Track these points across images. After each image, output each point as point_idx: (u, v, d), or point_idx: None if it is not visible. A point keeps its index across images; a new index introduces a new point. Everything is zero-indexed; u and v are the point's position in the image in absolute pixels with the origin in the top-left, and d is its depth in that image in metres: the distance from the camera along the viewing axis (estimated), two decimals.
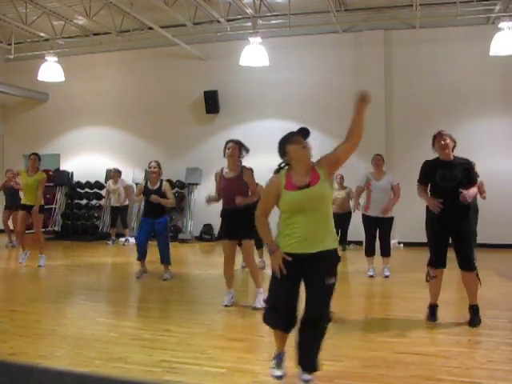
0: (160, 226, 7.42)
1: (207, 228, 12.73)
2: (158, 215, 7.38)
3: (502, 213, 10.77)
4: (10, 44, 12.36)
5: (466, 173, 4.90)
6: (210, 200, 5.88)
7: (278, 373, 3.58)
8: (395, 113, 11.73)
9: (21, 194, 10.73)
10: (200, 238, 12.70)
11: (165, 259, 7.45)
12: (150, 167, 7.42)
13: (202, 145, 12.95)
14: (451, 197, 4.80)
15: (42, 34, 12.46)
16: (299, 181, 3.44)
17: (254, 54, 10.78)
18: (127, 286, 7.28)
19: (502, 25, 9.49)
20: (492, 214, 10.67)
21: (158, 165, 7.44)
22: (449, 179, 4.87)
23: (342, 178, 10.49)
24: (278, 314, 3.43)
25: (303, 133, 3.56)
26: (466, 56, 11.23)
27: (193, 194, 12.93)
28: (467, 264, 4.89)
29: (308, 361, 3.42)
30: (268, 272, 8.26)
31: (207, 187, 12.83)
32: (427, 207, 5.04)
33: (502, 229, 10.75)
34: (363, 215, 7.66)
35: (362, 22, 11.57)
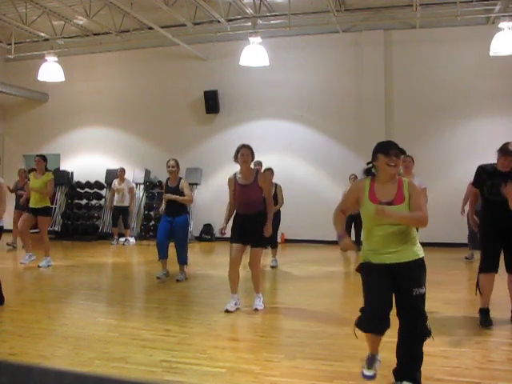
0: (178, 226, 7.32)
1: (207, 228, 12.74)
2: (177, 213, 7.31)
3: None
4: (10, 44, 12.37)
5: None
6: (222, 229, 5.80)
7: (368, 373, 3.57)
8: (395, 113, 11.73)
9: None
10: (200, 238, 12.70)
11: (181, 260, 7.38)
12: (168, 166, 7.39)
13: (202, 145, 12.96)
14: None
15: (42, 34, 12.45)
16: (383, 194, 3.46)
17: (254, 53, 10.78)
18: (127, 286, 7.28)
19: (501, 25, 9.48)
20: None
21: (176, 163, 7.41)
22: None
23: (355, 177, 10.41)
24: (371, 316, 3.45)
25: (400, 151, 3.53)
26: (466, 56, 11.23)
27: (193, 194, 12.93)
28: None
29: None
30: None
31: (207, 187, 12.90)
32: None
33: None
34: None
35: (362, 22, 11.57)
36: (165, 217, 7.44)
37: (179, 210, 7.32)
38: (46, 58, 12.10)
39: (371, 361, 3.60)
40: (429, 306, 5.44)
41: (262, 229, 5.62)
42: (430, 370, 3.80)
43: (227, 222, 5.80)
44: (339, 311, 5.89)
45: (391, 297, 3.42)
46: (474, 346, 4.36)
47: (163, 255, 7.38)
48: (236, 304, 5.64)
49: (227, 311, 5.49)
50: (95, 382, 2.60)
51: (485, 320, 4.95)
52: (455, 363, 3.94)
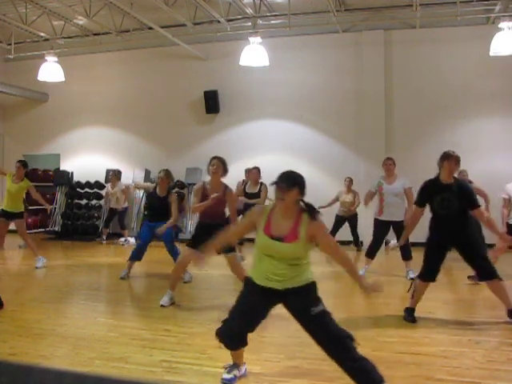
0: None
1: None
2: (162, 219, 7.31)
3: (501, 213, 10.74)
4: (10, 44, 12.37)
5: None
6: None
7: (227, 376, 3.58)
8: (395, 113, 11.73)
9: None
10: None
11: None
12: (158, 177, 7.51)
13: (202, 145, 12.95)
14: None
15: (42, 34, 12.45)
16: (277, 228, 3.28)
17: (254, 53, 10.78)
18: (127, 286, 7.27)
19: (502, 25, 9.48)
20: (492, 214, 10.66)
21: (166, 174, 7.48)
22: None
23: (350, 181, 10.41)
24: (229, 331, 3.44)
25: (287, 182, 3.23)
26: (466, 56, 11.23)
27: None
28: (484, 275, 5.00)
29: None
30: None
31: None
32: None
33: (501, 229, 10.72)
34: (376, 219, 7.59)
35: (362, 22, 11.57)
36: (148, 222, 7.51)
37: (164, 216, 7.29)
38: (46, 58, 12.11)
39: (232, 368, 3.62)
40: (429, 306, 5.49)
41: None
42: (430, 370, 3.81)
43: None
44: (339, 311, 5.88)
45: (256, 321, 3.46)
46: (474, 346, 4.35)
47: (139, 257, 7.46)
48: (171, 299, 5.87)
49: (162, 306, 5.72)
50: (95, 382, 2.61)
51: (409, 316, 5.14)
52: (455, 363, 3.94)
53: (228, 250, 5.50)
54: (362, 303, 6.39)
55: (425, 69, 11.52)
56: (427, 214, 5.24)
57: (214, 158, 5.76)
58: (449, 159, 5.06)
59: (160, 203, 7.37)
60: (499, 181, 10.86)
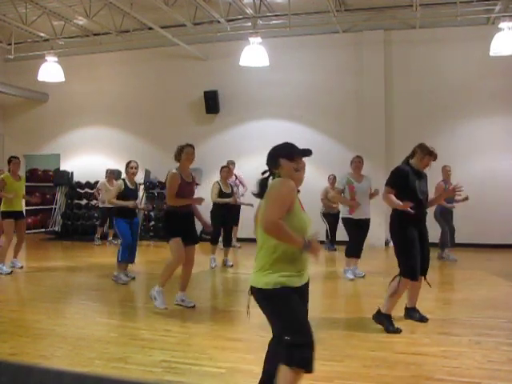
0: (136, 226, 7.59)
1: None
2: (135, 215, 7.53)
3: (502, 213, 10.77)
4: (9, 44, 12.37)
5: None
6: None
7: None
8: (395, 113, 11.73)
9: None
10: (200, 239, 12.65)
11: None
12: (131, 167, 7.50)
13: (202, 145, 12.92)
14: None
15: (42, 34, 12.46)
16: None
17: (254, 54, 10.78)
18: (127, 286, 7.27)
19: (502, 25, 9.48)
20: (492, 214, 10.70)
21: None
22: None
23: (334, 178, 10.42)
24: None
25: (306, 154, 3.06)
26: (466, 56, 11.23)
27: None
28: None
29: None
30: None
31: (207, 187, 12.85)
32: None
33: (502, 229, 10.75)
34: (349, 219, 7.44)
35: (362, 22, 11.57)
36: (125, 220, 7.37)
37: (135, 212, 7.54)
38: (46, 58, 12.11)
39: None
40: (429, 306, 5.49)
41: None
42: (430, 370, 3.80)
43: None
44: (339, 311, 5.89)
45: None
46: (474, 346, 4.35)
47: (133, 259, 7.48)
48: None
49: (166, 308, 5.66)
50: (95, 382, 2.60)
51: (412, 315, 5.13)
52: (455, 363, 3.94)
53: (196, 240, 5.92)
54: (362, 303, 6.39)
55: (425, 69, 11.52)
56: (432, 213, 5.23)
57: (190, 145, 6.29)
58: (431, 155, 5.15)
59: (134, 196, 7.46)
60: (499, 180, 10.91)
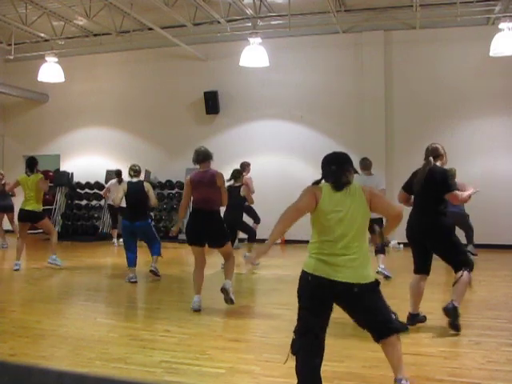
0: (144, 227, 7.49)
1: None
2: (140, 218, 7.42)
3: (502, 213, 10.77)
4: (10, 44, 12.37)
5: None
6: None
7: None
8: (395, 113, 11.73)
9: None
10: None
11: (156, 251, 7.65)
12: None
13: (202, 145, 12.94)
14: None
15: (42, 35, 12.46)
16: None
17: (254, 54, 10.79)
18: (127, 286, 7.26)
19: (502, 25, 9.49)
20: (492, 215, 10.69)
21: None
22: None
23: None
24: None
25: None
26: (466, 56, 11.23)
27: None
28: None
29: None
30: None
31: None
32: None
33: (501, 229, 10.75)
34: None
35: (362, 23, 11.58)
36: (126, 221, 7.39)
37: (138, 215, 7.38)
38: (46, 58, 12.12)
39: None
40: (430, 306, 5.48)
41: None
42: (430, 370, 3.80)
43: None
44: (339, 311, 5.88)
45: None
46: (474, 347, 4.35)
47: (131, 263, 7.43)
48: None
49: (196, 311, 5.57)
50: (95, 382, 2.60)
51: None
52: (455, 364, 3.94)
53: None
54: None
55: (425, 69, 11.52)
56: None
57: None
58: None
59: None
60: (499, 180, 10.91)
